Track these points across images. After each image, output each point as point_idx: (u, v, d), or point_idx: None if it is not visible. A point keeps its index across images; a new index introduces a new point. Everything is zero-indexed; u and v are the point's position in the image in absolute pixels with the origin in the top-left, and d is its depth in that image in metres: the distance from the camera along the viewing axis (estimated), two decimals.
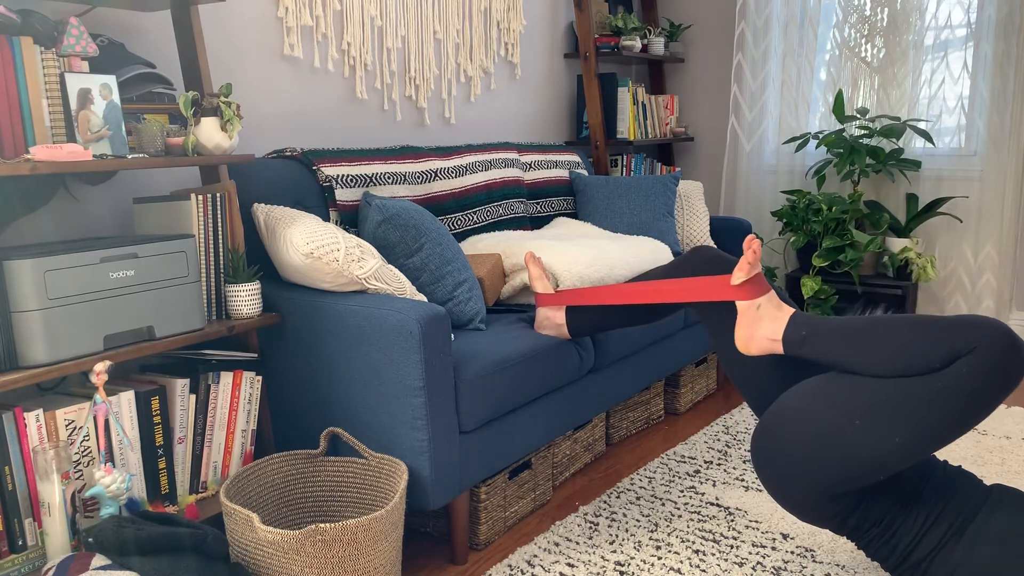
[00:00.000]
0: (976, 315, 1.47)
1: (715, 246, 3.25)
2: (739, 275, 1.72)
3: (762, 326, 1.67)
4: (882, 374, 1.49)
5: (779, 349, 1.65)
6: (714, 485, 2.33)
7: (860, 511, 1.56)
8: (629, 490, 2.31)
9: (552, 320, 2.12)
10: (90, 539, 1.46)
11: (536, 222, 3.08)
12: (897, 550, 1.55)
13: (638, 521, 2.13)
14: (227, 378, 1.85)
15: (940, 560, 1.50)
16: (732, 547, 1.99)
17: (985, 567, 1.47)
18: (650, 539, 2.03)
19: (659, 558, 1.94)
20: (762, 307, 1.69)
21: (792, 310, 1.67)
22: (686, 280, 1.84)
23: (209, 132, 1.79)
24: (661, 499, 2.25)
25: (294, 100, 2.51)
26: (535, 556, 1.96)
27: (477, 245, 2.56)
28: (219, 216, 1.86)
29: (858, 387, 1.50)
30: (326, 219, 2.26)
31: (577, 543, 2.02)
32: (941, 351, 1.44)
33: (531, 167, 3.12)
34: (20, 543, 1.54)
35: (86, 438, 1.63)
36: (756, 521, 2.12)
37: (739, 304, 1.72)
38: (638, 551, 1.98)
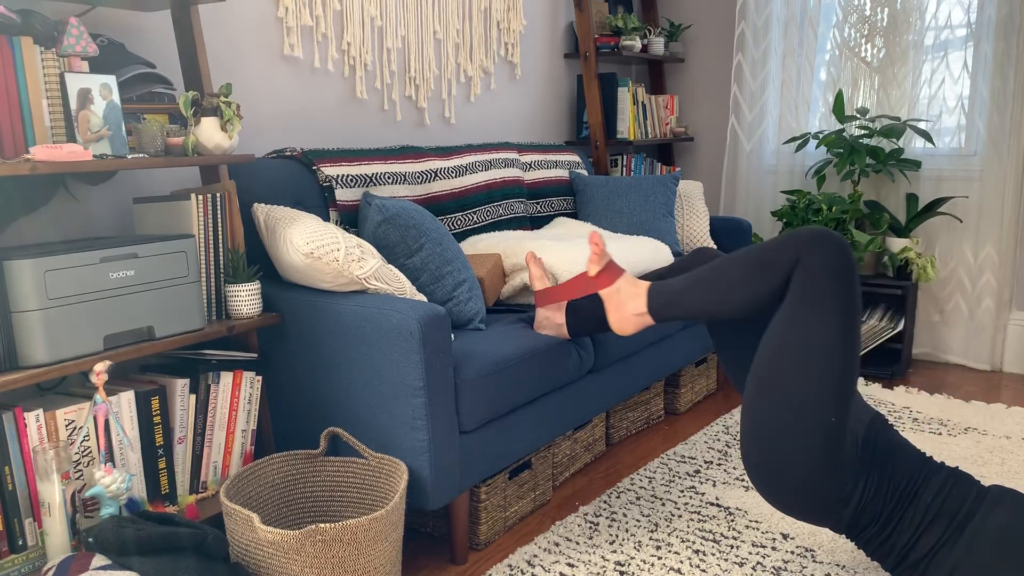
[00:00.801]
0: (798, 230, 1.59)
1: (715, 246, 3.25)
2: (592, 267, 1.87)
3: (628, 305, 1.81)
4: (738, 313, 1.64)
5: (650, 321, 1.79)
6: (714, 485, 2.33)
7: (854, 509, 1.56)
8: (629, 490, 2.31)
9: (552, 320, 2.12)
10: (90, 539, 1.46)
11: (536, 222, 3.08)
12: (895, 549, 1.55)
13: (638, 521, 2.13)
14: (227, 378, 1.85)
15: (938, 560, 1.50)
16: (732, 547, 1.99)
17: (983, 567, 1.47)
18: (650, 539, 2.03)
19: (659, 558, 1.94)
20: (622, 289, 1.82)
21: (648, 284, 1.80)
22: (572, 280, 1.99)
23: (209, 132, 1.79)
24: (661, 499, 2.25)
25: (294, 100, 2.51)
26: (535, 556, 1.96)
27: (477, 245, 2.56)
28: (219, 216, 1.86)
29: (764, 350, 1.58)
30: (326, 219, 2.26)
31: (577, 543, 2.02)
32: (774, 273, 1.57)
33: (531, 167, 3.12)
34: (20, 543, 1.54)
35: (86, 438, 1.63)
36: (756, 521, 2.12)
37: (602, 293, 1.86)
38: (638, 551, 1.98)
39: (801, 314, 1.53)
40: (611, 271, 1.86)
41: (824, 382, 1.51)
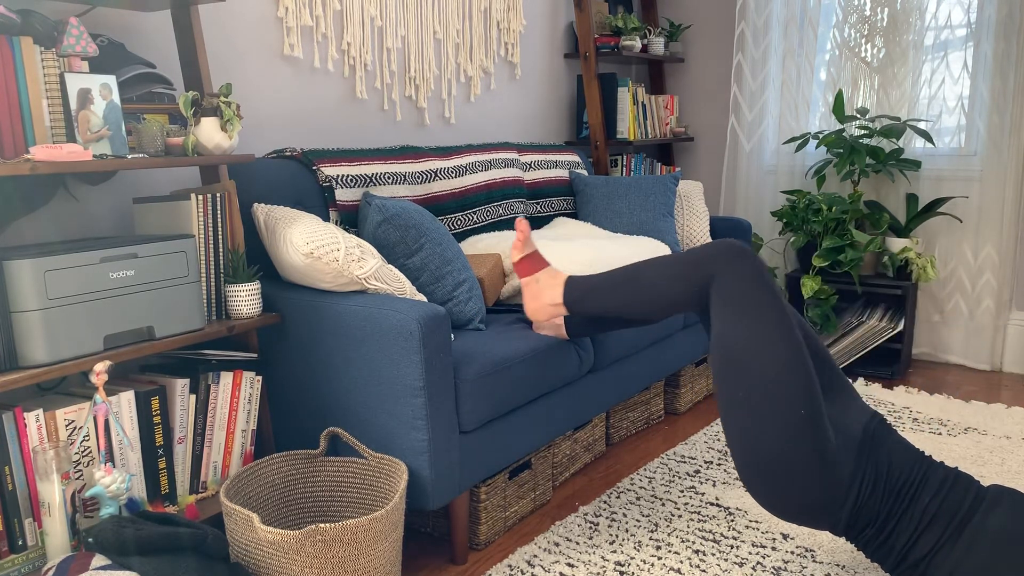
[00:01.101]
0: (708, 246, 1.66)
1: None
2: (515, 254, 1.92)
3: (545, 295, 1.86)
4: (649, 318, 1.73)
5: (564, 311, 1.86)
6: (714, 485, 2.33)
7: (851, 510, 1.55)
8: (629, 490, 2.31)
9: (551, 320, 2.12)
10: (90, 539, 1.46)
11: (536, 222, 3.08)
12: (895, 550, 1.55)
13: (638, 521, 2.13)
14: (227, 378, 1.85)
15: (938, 561, 1.50)
16: (732, 547, 1.99)
17: (983, 568, 1.47)
18: (650, 539, 2.03)
19: (659, 558, 1.94)
20: (541, 280, 1.87)
21: (567, 275, 1.85)
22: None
23: (209, 132, 1.79)
24: (661, 499, 2.25)
25: (294, 100, 2.51)
26: (535, 556, 1.96)
27: (477, 245, 2.57)
28: (219, 216, 1.86)
29: (714, 368, 1.63)
30: (326, 219, 2.26)
31: (577, 543, 2.02)
32: (687, 286, 1.65)
33: (531, 167, 3.12)
34: (20, 543, 1.54)
35: (86, 438, 1.63)
36: (756, 521, 2.12)
37: (521, 280, 1.90)
38: (638, 551, 1.98)
39: (732, 326, 1.58)
40: (533, 261, 1.92)
41: (778, 380, 1.54)
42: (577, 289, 1.81)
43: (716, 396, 1.65)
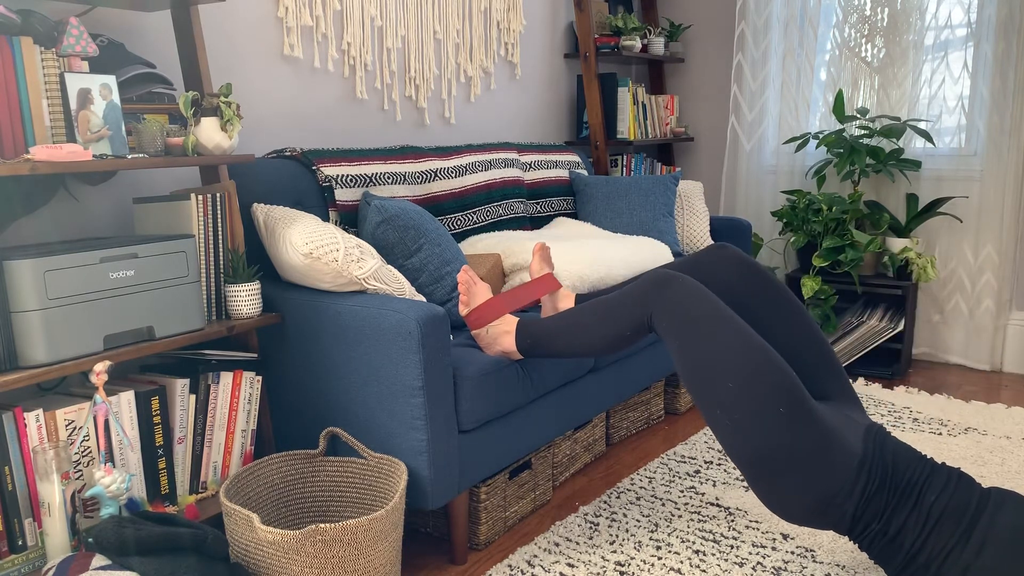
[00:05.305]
0: (638, 282, 1.72)
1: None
2: (462, 309, 1.97)
3: (498, 342, 1.91)
4: (598, 354, 1.80)
5: (519, 356, 1.92)
6: (714, 485, 2.33)
7: (857, 502, 1.54)
8: (629, 490, 2.31)
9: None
10: (90, 539, 1.46)
11: (536, 222, 3.08)
12: (903, 549, 1.53)
13: (638, 521, 2.13)
14: (227, 378, 1.85)
15: (951, 561, 1.49)
16: (732, 547, 1.99)
17: (996, 568, 1.46)
18: (650, 539, 2.03)
19: (659, 558, 1.94)
20: (491, 331, 1.93)
21: (516, 321, 1.90)
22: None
23: (209, 132, 1.79)
24: (661, 499, 2.25)
25: (294, 100, 2.51)
26: (535, 556, 1.96)
27: (477, 245, 2.56)
28: (219, 216, 1.86)
29: (689, 389, 1.64)
30: (326, 219, 2.26)
31: (577, 543, 2.02)
32: (627, 320, 1.71)
33: (531, 167, 3.12)
34: (20, 543, 1.54)
35: (86, 438, 1.63)
36: (756, 521, 2.12)
37: (472, 332, 1.95)
38: (638, 551, 1.98)
39: (684, 351, 1.62)
40: (484, 314, 1.96)
41: (744, 389, 1.55)
42: (528, 337, 1.87)
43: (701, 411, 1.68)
